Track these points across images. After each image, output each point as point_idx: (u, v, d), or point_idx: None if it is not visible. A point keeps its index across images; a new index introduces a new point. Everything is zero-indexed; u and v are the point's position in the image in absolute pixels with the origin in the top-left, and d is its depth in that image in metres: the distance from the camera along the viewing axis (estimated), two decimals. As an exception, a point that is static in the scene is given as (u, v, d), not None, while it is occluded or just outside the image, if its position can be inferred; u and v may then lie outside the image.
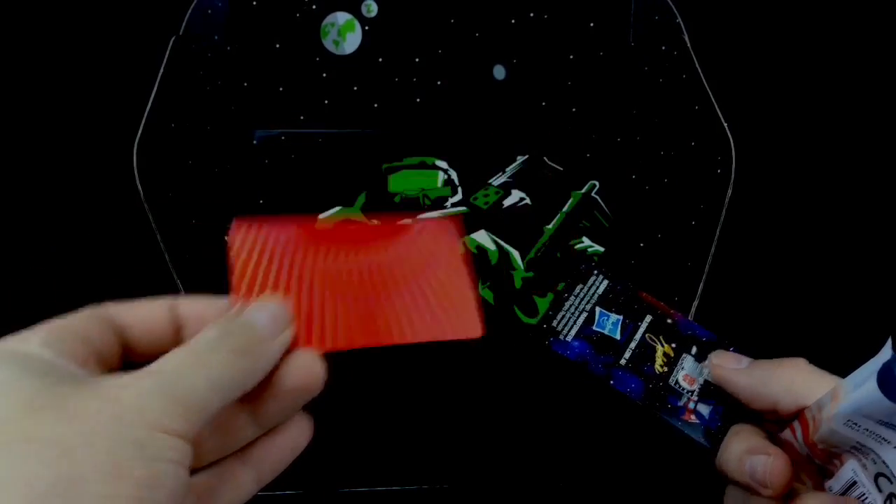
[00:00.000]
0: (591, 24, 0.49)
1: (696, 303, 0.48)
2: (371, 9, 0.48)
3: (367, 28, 0.48)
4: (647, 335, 0.38)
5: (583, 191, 0.50)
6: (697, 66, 0.48)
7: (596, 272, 0.40)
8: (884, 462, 0.29)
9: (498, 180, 0.50)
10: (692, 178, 0.49)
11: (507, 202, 0.50)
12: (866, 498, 0.30)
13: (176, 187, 0.46)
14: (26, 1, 0.47)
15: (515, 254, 0.49)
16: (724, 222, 0.48)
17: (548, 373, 0.48)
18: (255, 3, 0.47)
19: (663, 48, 0.49)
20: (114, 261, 0.48)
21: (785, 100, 0.52)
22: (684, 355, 0.38)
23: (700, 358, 0.38)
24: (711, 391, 0.37)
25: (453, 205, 0.50)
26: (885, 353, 0.27)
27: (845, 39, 0.53)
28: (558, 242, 0.49)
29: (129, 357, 0.29)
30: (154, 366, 0.25)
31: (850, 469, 0.31)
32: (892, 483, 0.29)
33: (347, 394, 0.42)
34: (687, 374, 0.38)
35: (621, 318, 0.39)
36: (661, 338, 0.38)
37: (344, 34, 0.48)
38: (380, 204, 0.49)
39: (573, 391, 0.48)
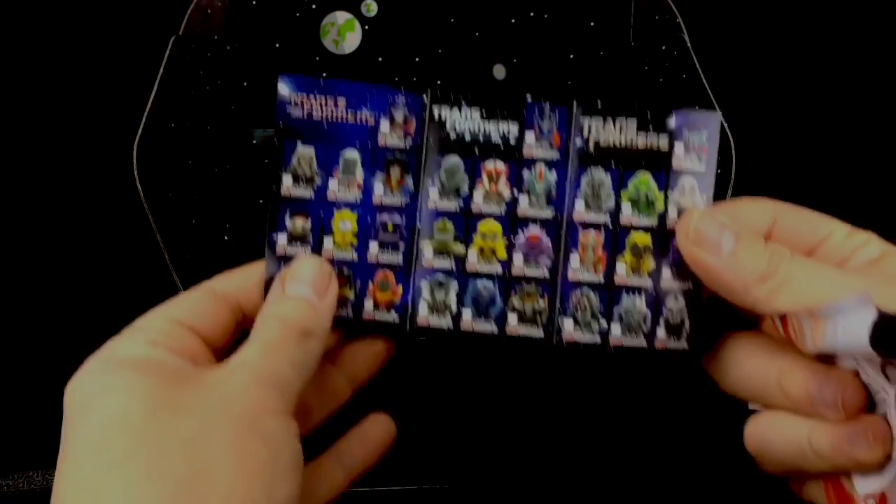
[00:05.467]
0: (591, 24, 0.49)
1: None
2: (371, 8, 0.48)
3: (366, 28, 0.48)
4: None
5: (583, 191, 0.50)
6: (698, 66, 0.48)
7: None
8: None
9: (498, 180, 0.50)
10: (692, 178, 0.49)
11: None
12: (871, 385, 0.28)
13: (176, 187, 0.46)
14: (26, 1, 0.47)
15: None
16: (724, 222, 0.48)
17: (548, 371, 0.48)
18: (254, 2, 0.47)
19: (663, 48, 0.49)
20: (114, 261, 0.48)
21: (785, 99, 0.52)
22: None
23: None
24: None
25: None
26: (868, 309, 0.25)
27: (845, 39, 0.53)
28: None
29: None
30: (236, 359, 0.28)
31: (850, 359, 0.28)
32: None
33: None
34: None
35: None
36: None
37: (344, 34, 0.48)
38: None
39: (573, 388, 0.47)
